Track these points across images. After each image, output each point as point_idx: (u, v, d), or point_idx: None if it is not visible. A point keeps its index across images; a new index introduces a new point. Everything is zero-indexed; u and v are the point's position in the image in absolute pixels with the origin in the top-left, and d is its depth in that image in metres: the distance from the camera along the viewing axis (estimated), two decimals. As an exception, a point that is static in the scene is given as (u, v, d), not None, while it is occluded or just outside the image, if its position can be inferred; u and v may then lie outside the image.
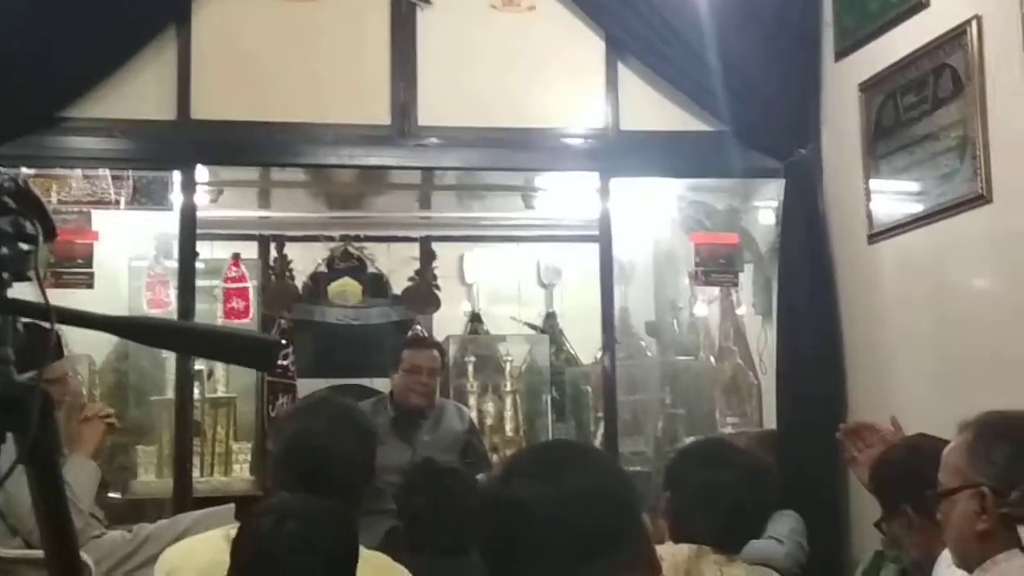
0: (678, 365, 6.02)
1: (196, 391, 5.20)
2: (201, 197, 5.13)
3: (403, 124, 4.82)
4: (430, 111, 4.83)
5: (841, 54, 4.70)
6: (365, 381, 6.03)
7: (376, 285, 6.52)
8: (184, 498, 4.58)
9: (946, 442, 2.20)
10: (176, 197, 4.79)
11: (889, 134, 4.33)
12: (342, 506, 2.33)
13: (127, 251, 5.62)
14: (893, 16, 4.30)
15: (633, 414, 5.71)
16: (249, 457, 5.84)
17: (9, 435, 1.11)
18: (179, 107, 4.66)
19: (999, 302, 3.74)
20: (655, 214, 6.00)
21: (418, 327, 6.41)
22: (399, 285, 6.54)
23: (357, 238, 6.54)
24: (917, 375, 4.21)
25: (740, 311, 5.79)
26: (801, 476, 4.56)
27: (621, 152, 4.96)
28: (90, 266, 4.74)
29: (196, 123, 4.68)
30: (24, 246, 1.14)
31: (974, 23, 3.81)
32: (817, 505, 4.57)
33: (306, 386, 5.97)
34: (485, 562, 1.50)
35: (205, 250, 5.31)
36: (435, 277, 6.47)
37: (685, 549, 2.56)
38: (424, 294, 6.44)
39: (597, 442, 5.38)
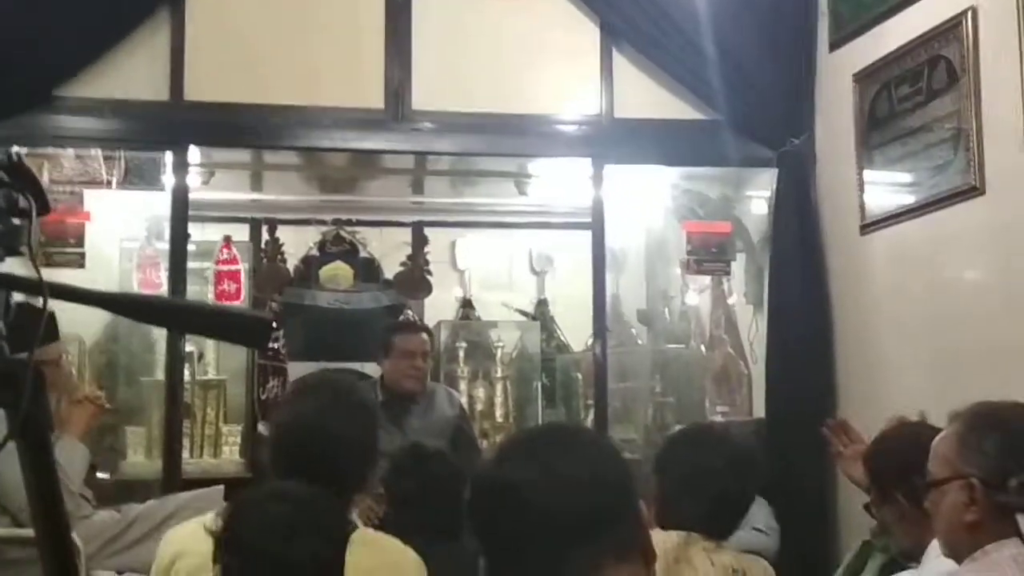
0: (669, 353, 6.02)
1: (186, 373, 5.19)
2: (193, 179, 5.11)
3: (397, 108, 4.80)
4: (424, 96, 4.82)
5: (835, 44, 4.70)
6: (356, 365, 6.03)
7: (368, 269, 6.51)
8: (173, 479, 4.58)
9: None
10: (168, 178, 4.77)
11: (883, 125, 4.34)
12: (343, 492, 2.33)
13: (118, 232, 5.59)
14: (888, 7, 4.30)
15: (623, 402, 5.71)
16: (239, 439, 5.83)
17: (1, 411, 1.11)
18: (172, 88, 4.64)
19: (991, 293, 3.75)
20: (648, 202, 5.99)
21: (409, 312, 6.41)
22: (391, 270, 6.54)
23: (349, 222, 6.53)
24: (908, 366, 4.21)
25: (731, 300, 5.80)
26: (789, 465, 4.57)
27: (615, 139, 4.96)
28: (81, 246, 4.74)
29: (189, 104, 4.66)
30: (17, 221, 1.13)
31: (969, 14, 3.81)
32: (804, 494, 4.58)
33: (297, 369, 5.97)
34: (479, 543, 1.50)
35: (196, 232, 5.29)
36: (427, 262, 6.47)
37: (674, 536, 2.57)
38: (416, 279, 6.44)
39: (587, 429, 5.39)
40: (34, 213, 1.14)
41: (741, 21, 4.85)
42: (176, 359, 4.74)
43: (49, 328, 1.14)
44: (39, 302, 1.14)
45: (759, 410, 5.18)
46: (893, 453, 2.65)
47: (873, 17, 4.40)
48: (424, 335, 5.09)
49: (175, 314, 1.30)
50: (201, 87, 4.67)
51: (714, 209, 5.68)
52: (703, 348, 5.92)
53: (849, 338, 4.67)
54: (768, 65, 4.87)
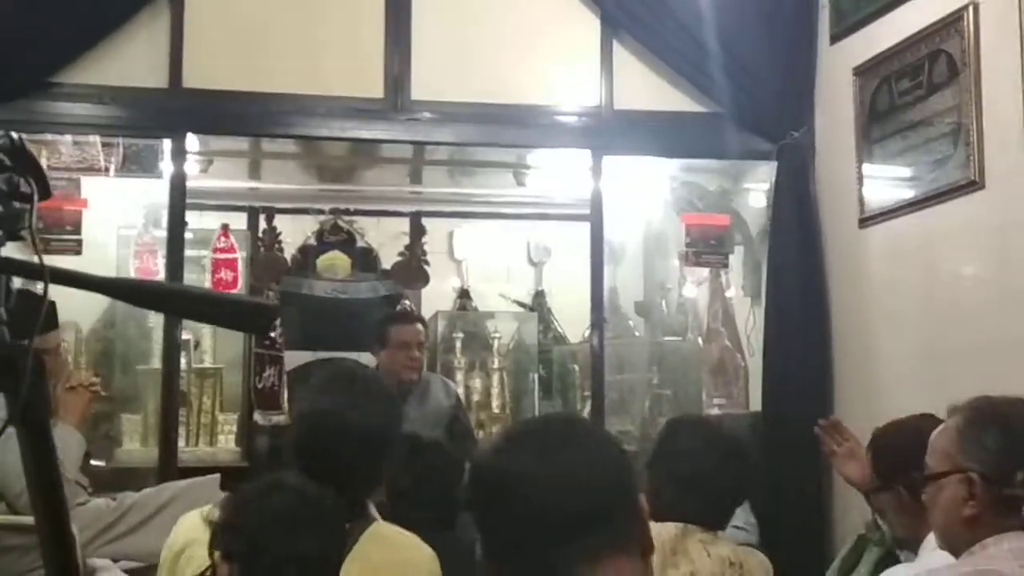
0: (666, 346, 6.03)
1: (183, 361, 5.19)
2: (191, 166, 5.10)
3: (396, 98, 4.79)
4: (424, 85, 4.81)
5: (836, 37, 4.70)
6: (352, 355, 6.01)
7: (365, 259, 6.50)
8: (169, 468, 4.58)
9: None
10: (166, 166, 4.77)
11: (883, 119, 4.33)
12: (365, 485, 2.33)
13: (116, 219, 5.59)
14: (889, 0, 4.29)
15: (620, 393, 5.71)
16: (235, 428, 5.83)
17: (0, 396, 1.10)
18: (171, 75, 4.63)
19: (989, 288, 3.75)
20: (646, 194, 5.99)
21: (406, 302, 6.40)
22: (388, 260, 6.53)
23: (347, 212, 6.52)
24: (905, 360, 4.22)
25: (729, 293, 5.80)
26: (785, 458, 4.57)
27: (614, 131, 4.95)
28: (78, 233, 4.72)
29: (188, 91, 4.65)
30: (18, 205, 1.13)
31: (970, 9, 3.80)
32: (800, 487, 4.59)
33: (293, 359, 5.97)
34: (477, 533, 1.49)
35: (194, 220, 5.28)
36: (424, 253, 6.46)
37: (671, 528, 2.57)
38: (413, 269, 6.42)
39: (583, 421, 5.38)
40: (36, 198, 1.14)
41: (742, 13, 4.84)
42: (172, 347, 4.74)
43: (49, 316, 1.13)
44: (38, 288, 1.14)
45: (756, 403, 5.18)
46: (898, 443, 2.65)
47: (874, 11, 4.39)
48: (419, 325, 5.10)
49: (178, 301, 1.30)
50: (200, 74, 4.66)
51: (713, 202, 5.68)
52: (700, 340, 5.92)
53: (847, 332, 4.67)
54: (768, 58, 4.87)
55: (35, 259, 1.13)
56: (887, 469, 2.65)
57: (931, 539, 2.28)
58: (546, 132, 5.01)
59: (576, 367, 6.44)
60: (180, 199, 4.70)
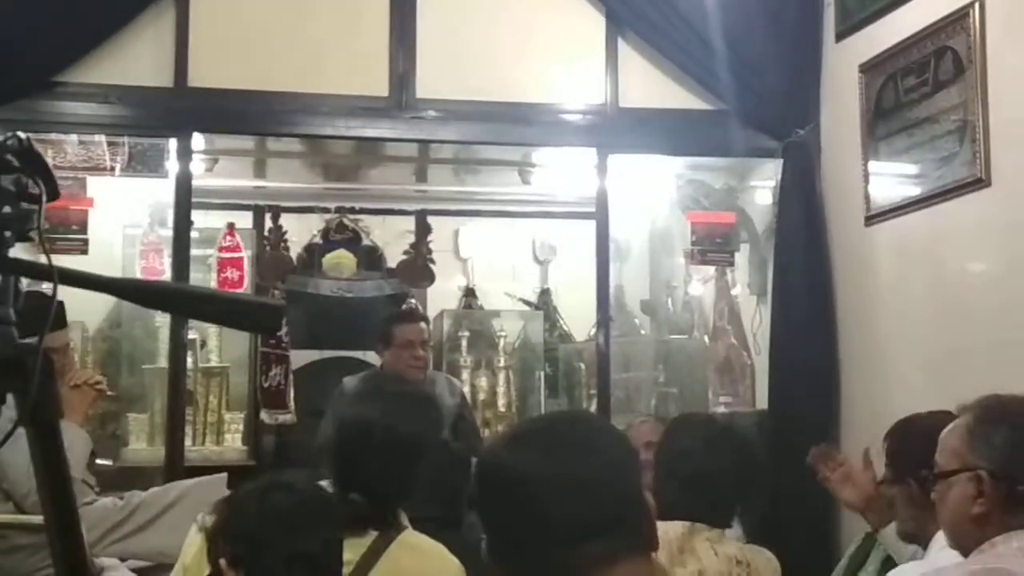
0: (672, 344, 6.03)
1: (189, 360, 5.19)
2: (197, 165, 5.11)
3: (401, 96, 4.79)
4: (428, 83, 4.81)
5: (842, 35, 4.69)
6: (358, 354, 6.03)
7: (371, 258, 6.51)
8: (176, 467, 4.58)
9: None
10: (172, 165, 4.77)
11: (889, 116, 4.32)
12: (400, 493, 2.36)
13: (122, 218, 5.60)
14: (895, -3, 4.29)
15: (626, 392, 5.71)
16: (241, 427, 5.84)
17: (9, 396, 1.10)
18: (176, 74, 4.63)
19: (996, 286, 3.74)
20: (652, 192, 5.99)
21: (412, 301, 6.40)
22: (394, 258, 6.54)
23: (352, 210, 6.53)
24: (911, 358, 4.21)
25: (735, 291, 5.79)
26: (791, 456, 4.56)
27: (619, 129, 4.94)
28: (84, 232, 4.73)
29: (193, 91, 4.65)
30: (27, 206, 1.13)
31: (976, 6, 3.79)
32: (807, 485, 4.56)
33: (299, 357, 5.98)
34: (483, 530, 1.49)
35: (200, 219, 5.29)
36: (430, 251, 6.46)
37: (678, 526, 2.57)
38: (419, 268, 6.43)
39: (589, 419, 5.37)
40: (44, 198, 1.14)
41: (747, 10, 4.83)
42: (179, 346, 4.74)
43: (58, 316, 1.13)
44: (46, 288, 1.14)
45: (762, 401, 5.18)
46: (914, 438, 2.64)
47: (879, 8, 4.38)
48: (423, 324, 5.09)
49: (187, 301, 1.30)
50: (205, 74, 4.65)
51: (718, 199, 5.68)
52: (706, 339, 5.92)
53: (853, 329, 4.66)
54: (774, 55, 4.86)
55: (42, 259, 1.13)
56: (901, 462, 2.64)
57: (940, 537, 2.28)
58: (551, 130, 5.01)
59: (582, 365, 6.44)
60: (186, 198, 4.70)
